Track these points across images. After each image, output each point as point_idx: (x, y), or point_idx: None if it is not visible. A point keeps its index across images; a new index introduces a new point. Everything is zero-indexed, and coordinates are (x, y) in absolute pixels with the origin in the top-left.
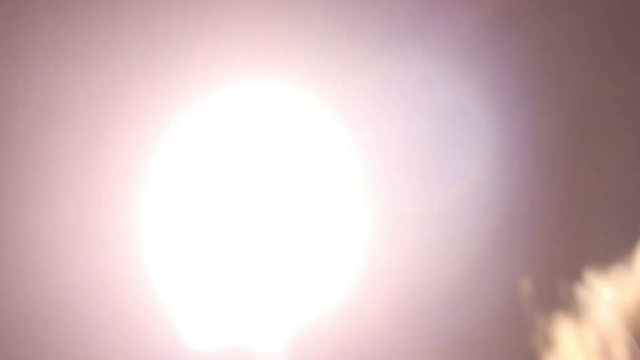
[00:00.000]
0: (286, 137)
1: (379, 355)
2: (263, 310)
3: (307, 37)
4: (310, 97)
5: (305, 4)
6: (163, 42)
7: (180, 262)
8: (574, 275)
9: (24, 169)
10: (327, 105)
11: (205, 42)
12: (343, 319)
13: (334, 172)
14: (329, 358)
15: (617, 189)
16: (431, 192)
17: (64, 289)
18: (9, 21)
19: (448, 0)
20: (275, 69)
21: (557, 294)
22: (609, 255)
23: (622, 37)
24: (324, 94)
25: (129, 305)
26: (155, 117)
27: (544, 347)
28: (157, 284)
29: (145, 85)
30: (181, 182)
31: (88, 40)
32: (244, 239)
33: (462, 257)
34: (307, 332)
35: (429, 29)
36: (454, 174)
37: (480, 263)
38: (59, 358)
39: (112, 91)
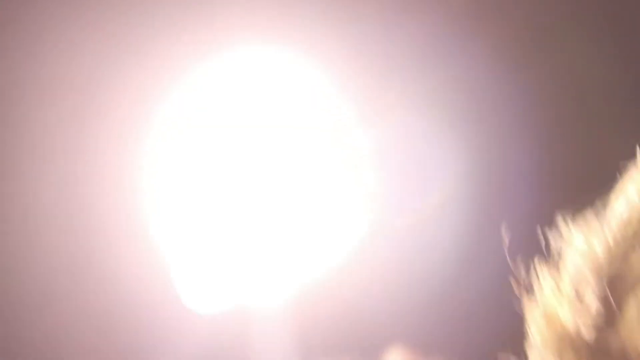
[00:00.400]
0: (286, 106)
1: (376, 318)
2: (262, 272)
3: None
4: (311, 66)
5: None
6: (160, 6)
7: (180, 223)
8: (550, 224)
9: (23, 145)
10: (328, 77)
11: (205, 8)
12: (341, 282)
13: (335, 143)
14: (327, 320)
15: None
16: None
17: (62, 254)
18: None
19: None
20: (276, 37)
21: (535, 242)
22: (582, 204)
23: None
24: (325, 64)
25: (128, 269)
26: (154, 84)
27: (524, 297)
28: (157, 246)
29: (143, 50)
30: (181, 147)
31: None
32: (244, 202)
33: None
34: (306, 294)
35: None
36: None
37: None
38: (55, 316)
39: (109, 59)
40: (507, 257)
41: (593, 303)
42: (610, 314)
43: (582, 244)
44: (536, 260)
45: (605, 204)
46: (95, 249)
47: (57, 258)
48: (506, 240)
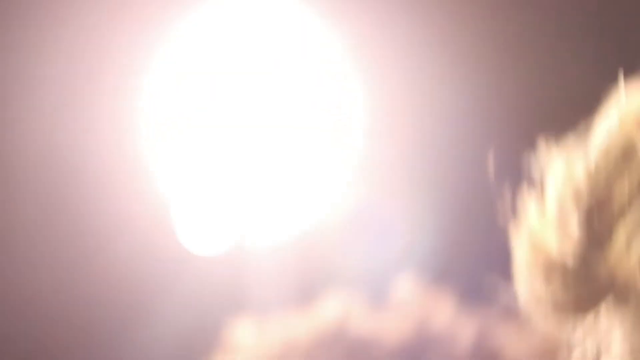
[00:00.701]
0: (283, 52)
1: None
2: (260, 214)
3: None
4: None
5: None
6: None
7: (180, 164)
8: (533, 147)
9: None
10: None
11: None
12: (337, 228)
13: (331, 91)
14: (323, 263)
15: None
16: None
17: (60, 195)
18: None
19: None
20: None
21: (518, 167)
22: (564, 127)
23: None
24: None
25: (127, 210)
26: (154, 24)
27: (509, 221)
28: (156, 188)
29: None
30: (182, 87)
31: None
32: (244, 142)
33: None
34: (302, 237)
35: None
36: None
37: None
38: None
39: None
40: (492, 182)
41: (576, 230)
42: (596, 241)
43: (563, 170)
44: (521, 185)
45: (588, 129)
46: (94, 191)
47: (54, 200)
48: (491, 165)
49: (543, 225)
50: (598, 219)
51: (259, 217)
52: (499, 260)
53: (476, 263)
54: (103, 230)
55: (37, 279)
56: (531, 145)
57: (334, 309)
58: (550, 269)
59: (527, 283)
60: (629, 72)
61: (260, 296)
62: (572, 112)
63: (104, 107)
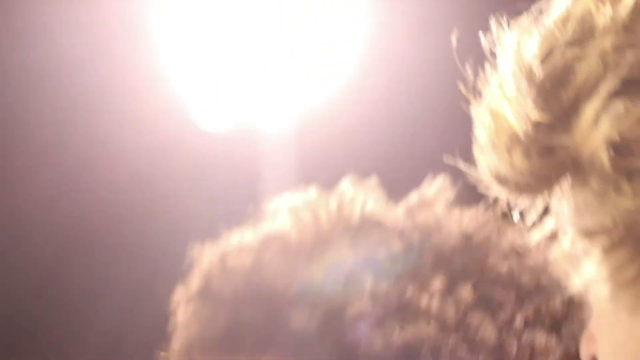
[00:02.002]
0: None
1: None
2: (269, 93)
3: None
4: None
5: None
6: None
7: (190, 42)
8: (492, 26)
9: None
10: None
11: None
12: (344, 107)
13: None
14: (331, 141)
15: None
16: None
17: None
18: None
19: None
20: None
21: (479, 46)
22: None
23: None
24: None
25: (139, 87)
26: None
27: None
28: (167, 66)
29: None
30: None
31: None
32: (253, 20)
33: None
34: (310, 116)
35: None
36: None
37: None
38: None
39: None
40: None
41: (532, 105)
42: (556, 116)
43: (517, 46)
44: (483, 62)
45: (546, 5)
46: (110, 79)
47: (74, 90)
48: (454, 42)
49: (503, 97)
50: (556, 94)
51: (268, 97)
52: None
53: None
54: (114, 112)
55: (67, 172)
56: (490, 23)
57: (346, 192)
58: (511, 142)
59: (488, 158)
60: None
61: (268, 173)
62: None
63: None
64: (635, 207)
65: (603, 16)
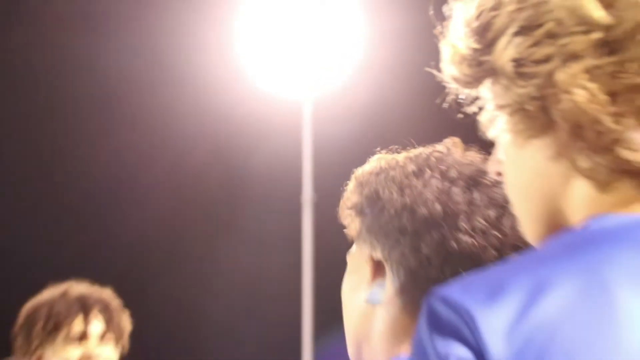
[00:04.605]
0: None
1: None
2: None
3: None
4: None
5: None
6: None
7: (249, 16)
8: None
9: None
10: None
11: None
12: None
13: None
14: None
15: None
16: None
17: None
18: None
19: None
20: None
21: None
22: None
23: None
24: None
25: (201, 53)
26: None
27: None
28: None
29: None
30: None
31: None
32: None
33: None
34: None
35: None
36: None
37: None
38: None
39: None
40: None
41: (472, 40)
42: (484, 41)
43: (463, 10)
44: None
45: None
46: (172, 46)
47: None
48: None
49: (456, 38)
50: (484, 34)
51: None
52: None
53: None
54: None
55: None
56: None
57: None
58: (460, 59)
59: (449, 68)
60: None
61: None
62: None
63: None
64: (525, 93)
65: None
